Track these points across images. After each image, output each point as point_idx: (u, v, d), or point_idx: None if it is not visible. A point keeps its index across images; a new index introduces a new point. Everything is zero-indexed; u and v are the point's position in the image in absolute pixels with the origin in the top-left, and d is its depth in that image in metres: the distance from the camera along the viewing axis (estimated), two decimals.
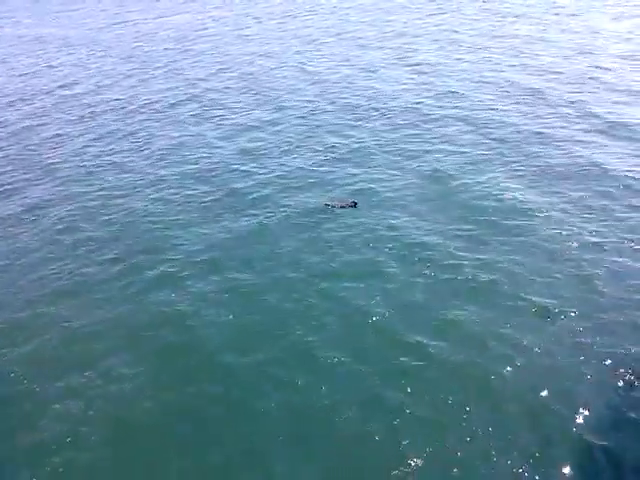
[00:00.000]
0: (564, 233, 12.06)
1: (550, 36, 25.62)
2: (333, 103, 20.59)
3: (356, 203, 13.87)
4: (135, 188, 16.05)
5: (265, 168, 16.31)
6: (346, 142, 17.32)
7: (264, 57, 27.09)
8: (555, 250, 11.59)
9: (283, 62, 25.98)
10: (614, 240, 11.71)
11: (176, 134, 19.46)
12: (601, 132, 16.40)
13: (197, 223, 13.93)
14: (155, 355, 10.14)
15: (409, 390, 8.80)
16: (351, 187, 14.85)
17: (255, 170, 16.26)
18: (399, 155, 16.24)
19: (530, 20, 28.57)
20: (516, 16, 29.60)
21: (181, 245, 13.08)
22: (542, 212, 12.86)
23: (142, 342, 10.41)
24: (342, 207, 13.80)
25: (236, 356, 9.85)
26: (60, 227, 14.48)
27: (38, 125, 21.68)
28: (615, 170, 14.27)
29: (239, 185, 15.50)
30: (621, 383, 8.65)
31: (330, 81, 22.86)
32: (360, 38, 28.74)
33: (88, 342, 10.56)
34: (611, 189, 13.55)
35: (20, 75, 28.79)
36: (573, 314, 9.93)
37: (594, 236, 11.87)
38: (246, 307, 10.93)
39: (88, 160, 18.25)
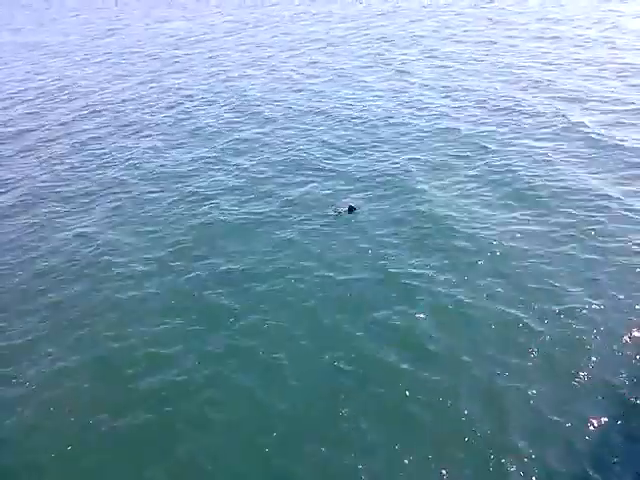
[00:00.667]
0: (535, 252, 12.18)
1: (530, 45, 26.22)
2: (316, 110, 21.12)
3: (352, 208, 14.07)
4: (124, 189, 16.77)
5: (247, 174, 16.84)
6: (327, 150, 17.87)
7: (254, 65, 27.68)
8: (518, 266, 11.80)
9: (272, 69, 26.62)
10: (580, 255, 11.99)
11: (163, 138, 20.16)
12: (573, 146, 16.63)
13: (181, 221, 14.70)
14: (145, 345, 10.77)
15: (375, 397, 9.21)
16: (324, 192, 15.34)
17: (236, 175, 16.84)
18: (375, 162, 16.71)
19: (512, 27, 29.21)
20: (497, 22, 30.26)
21: (163, 242, 13.87)
22: (501, 226, 13.12)
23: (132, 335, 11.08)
24: (340, 213, 14.02)
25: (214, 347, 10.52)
26: (48, 225, 15.33)
27: (30, 129, 22.37)
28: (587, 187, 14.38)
29: (218, 189, 16.12)
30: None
31: (315, 88, 23.43)
32: (349, 45, 29.34)
33: (79, 329, 11.29)
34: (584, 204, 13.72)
35: (16, 81, 29.50)
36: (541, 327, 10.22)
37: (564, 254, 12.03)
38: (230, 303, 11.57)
39: (79, 162, 18.98)
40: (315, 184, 15.84)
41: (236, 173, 16.94)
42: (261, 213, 14.65)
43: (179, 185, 16.60)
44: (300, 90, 23.42)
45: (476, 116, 19.08)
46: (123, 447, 8.85)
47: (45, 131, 22.03)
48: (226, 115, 21.57)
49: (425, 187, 15.02)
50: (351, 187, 15.49)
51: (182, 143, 19.56)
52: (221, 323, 11.07)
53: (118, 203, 16.00)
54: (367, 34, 31.02)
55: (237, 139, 19.32)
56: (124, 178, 17.41)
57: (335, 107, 21.19)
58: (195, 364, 10.19)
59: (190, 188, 16.33)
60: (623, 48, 23.89)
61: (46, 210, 16.04)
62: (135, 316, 11.54)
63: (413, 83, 22.71)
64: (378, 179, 15.75)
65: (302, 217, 14.26)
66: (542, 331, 10.07)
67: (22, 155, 20.05)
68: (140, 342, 10.84)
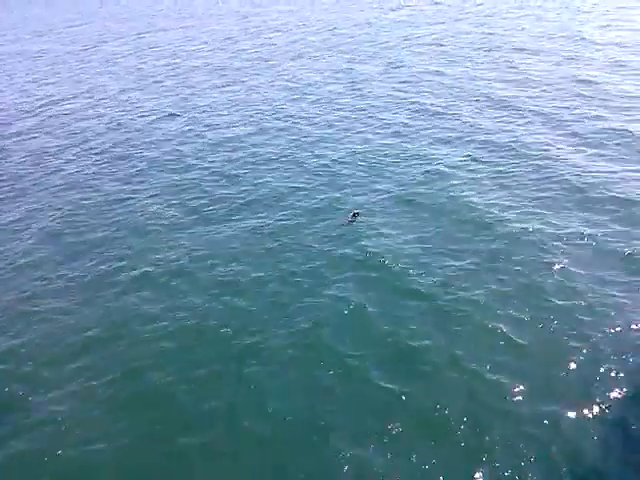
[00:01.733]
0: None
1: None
2: (316, 117, 22.05)
3: (357, 214, 14.68)
4: (122, 197, 17.74)
5: (247, 181, 17.73)
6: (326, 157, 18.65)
7: (254, 73, 28.93)
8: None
9: (271, 77, 27.77)
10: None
11: (164, 147, 21.16)
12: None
13: (185, 228, 15.55)
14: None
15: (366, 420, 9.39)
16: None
17: (237, 182, 17.77)
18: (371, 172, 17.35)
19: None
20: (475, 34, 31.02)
21: (166, 249, 14.70)
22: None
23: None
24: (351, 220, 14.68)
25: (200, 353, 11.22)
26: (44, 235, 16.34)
27: (27, 139, 23.73)
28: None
29: (223, 193, 17.08)
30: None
31: (315, 96, 24.39)
32: (349, 53, 30.28)
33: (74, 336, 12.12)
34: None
35: (14, 91, 31.15)
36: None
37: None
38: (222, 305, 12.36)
39: (79, 172, 20.01)
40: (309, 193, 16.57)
41: (244, 183, 17.64)
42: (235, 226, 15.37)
43: (186, 193, 17.42)
44: (301, 98, 24.38)
45: (436, 134, 19.33)
46: None
47: (45, 141, 23.18)
48: (231, 125, 22.44)
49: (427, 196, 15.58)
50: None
51: (186, 152, 20.42)
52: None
53: (123, 210, 16.95)
54: (373, 42, 31.95)
55: (244, 149, 20.11)
56: (126, 188, 18.29)
57: (338, 115, 22.00)
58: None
59: (197, 194, 17.19)
60: (590, 63, 24.08)
61: (48, 219, 17.02)
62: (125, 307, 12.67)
63: (374, 95, 23.63)
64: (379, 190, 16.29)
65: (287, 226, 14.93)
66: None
67: (23, 166, 21.07)
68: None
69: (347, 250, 13.62)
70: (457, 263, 12.67)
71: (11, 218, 17.42)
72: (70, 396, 10.53)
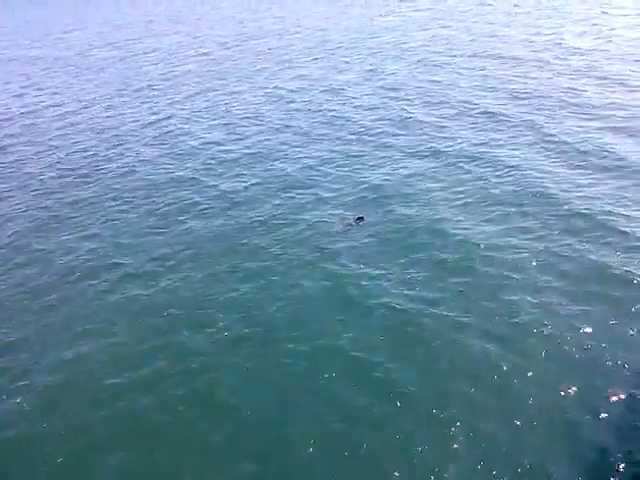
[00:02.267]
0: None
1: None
2: (296, 123, 22.40)
3: (361, 218, 14.95)
4: (107, 199, 18.22)
5: (229, 185, 18.01)
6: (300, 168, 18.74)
7: (243, 80, 29.26)
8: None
9: (259, 83, 28.23)
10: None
11: (148, 151, 21.57)
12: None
13: (162, 228, 15.97)
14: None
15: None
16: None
17: (217, 187, 18.05)
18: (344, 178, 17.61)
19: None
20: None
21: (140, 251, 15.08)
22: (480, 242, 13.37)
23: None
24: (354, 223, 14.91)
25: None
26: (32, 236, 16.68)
27: (14, 144, 24.13)
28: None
29: (203, 197, 17.45)
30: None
31: (300, 102, 24.77)
32: (339, 58, 30.74)
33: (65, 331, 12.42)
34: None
35: (8, 96, 31.67)
36: None
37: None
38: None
39: (71, 173, 20.43)
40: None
41: (213, 190, 17.91)
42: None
43: (166, 195, 17.84)
44: (254, 110, 24.76)
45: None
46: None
47: (36, 145, 23.51)
48: (179, 133, 22.97)
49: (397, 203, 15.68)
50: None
51: (167, 158, 20.77)
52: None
53: (107, 211, 17.33)
54: (334, 49, 32.54)
55: (216, 157, 20.42)
56: (107, 191, 18.68)
57: (280, 128, 22.23)
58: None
59: (175, 196, 17.62)
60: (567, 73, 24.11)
61: (33, 220, 17.42)
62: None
63: (358, 101, 23.98)
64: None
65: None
66: None
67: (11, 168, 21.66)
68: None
69: (317, 256, 13.82)
70: (426, 275, 12.63)
71: (7, 217, 17.89)
72: (62, 387, 10.93)
